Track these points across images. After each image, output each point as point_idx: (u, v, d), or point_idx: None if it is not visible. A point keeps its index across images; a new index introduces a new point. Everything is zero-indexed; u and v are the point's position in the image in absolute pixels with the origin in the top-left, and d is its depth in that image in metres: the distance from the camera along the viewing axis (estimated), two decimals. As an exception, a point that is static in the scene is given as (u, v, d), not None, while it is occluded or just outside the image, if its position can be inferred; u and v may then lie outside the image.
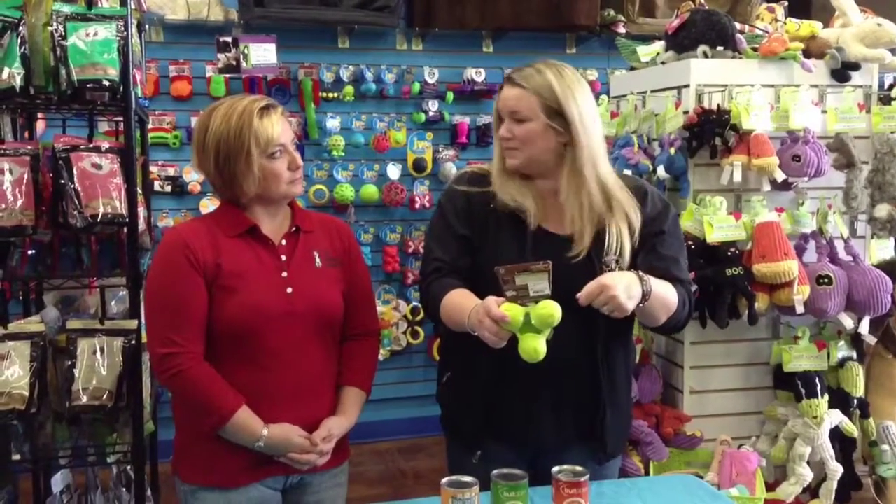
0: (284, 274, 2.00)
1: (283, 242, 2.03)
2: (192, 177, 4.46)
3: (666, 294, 1.92)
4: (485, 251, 2.01)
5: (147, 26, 3.72)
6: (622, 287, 1.77)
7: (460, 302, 1.90)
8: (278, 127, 1.96)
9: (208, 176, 2.01)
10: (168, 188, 4.44)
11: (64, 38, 2.30)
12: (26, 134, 2.94)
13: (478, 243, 2.03)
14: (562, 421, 2.03)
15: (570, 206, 1.99)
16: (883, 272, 3.24)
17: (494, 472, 1.67)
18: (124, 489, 2.79)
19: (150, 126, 3.82)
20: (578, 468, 1.69)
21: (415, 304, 4.80)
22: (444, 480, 1.65)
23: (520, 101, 1.98)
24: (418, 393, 4.85)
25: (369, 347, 2.17)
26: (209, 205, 4.43)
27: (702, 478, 2.70)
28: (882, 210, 3.31)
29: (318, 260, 2.05)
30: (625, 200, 2.00)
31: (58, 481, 2.72)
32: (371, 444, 4.62)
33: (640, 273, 1.87)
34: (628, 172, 2.99)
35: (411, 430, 4.83)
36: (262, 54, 4.30)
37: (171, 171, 4.45)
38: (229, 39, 4.27)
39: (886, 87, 3.63)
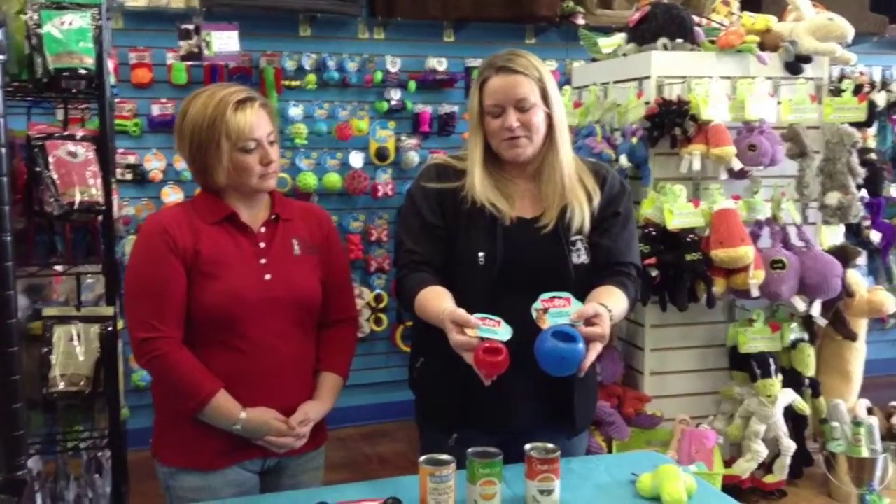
0: (263, 261, 2.02)
1: (263, 230, 2.05)
2: (153, 165, 4.43)
3: (621, 311, 1.98)
4: (457, 243, 2.03)
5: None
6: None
7: (433, 304, 1.91)
8: (253, 121, 1.95)
9: (185, 160, 2.03)
10: (129, 176, 4.39)
11: (39, 26, 2.29)
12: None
13: (450, 235, 2.04)
14: (534, 404, 2.07)
15: (545, 187, 2.03)
16: (833, 257, 3.37)
17: (470, 449, 1.71)
18: (97, 475, 2.79)
19: (113, 114, 3.79)
20: (550, 445, 1.75)
21: (378, 291, 4.83)
22: (422, 458, 1.69)
23: (525, 88, 1.97)
24: (381, 379, 4.86)
25: (347, 333, 2.20)
26: (171, 193, 4.40)
27: (663, 455, 2.80)
28: (832, 198, 3.43)
29: (296, 247, 2.07)
30: (587, 180, 2.07)
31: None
32: (334, 431, 4.60)
33: (607, 306, 1.88)
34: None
35: (374, 416, 4.85)
36: (225, 42, 4.25)
37: (131, 160, 4.41)
38: (191, 27, 4.24)
39: (836, 78, 3.75)
